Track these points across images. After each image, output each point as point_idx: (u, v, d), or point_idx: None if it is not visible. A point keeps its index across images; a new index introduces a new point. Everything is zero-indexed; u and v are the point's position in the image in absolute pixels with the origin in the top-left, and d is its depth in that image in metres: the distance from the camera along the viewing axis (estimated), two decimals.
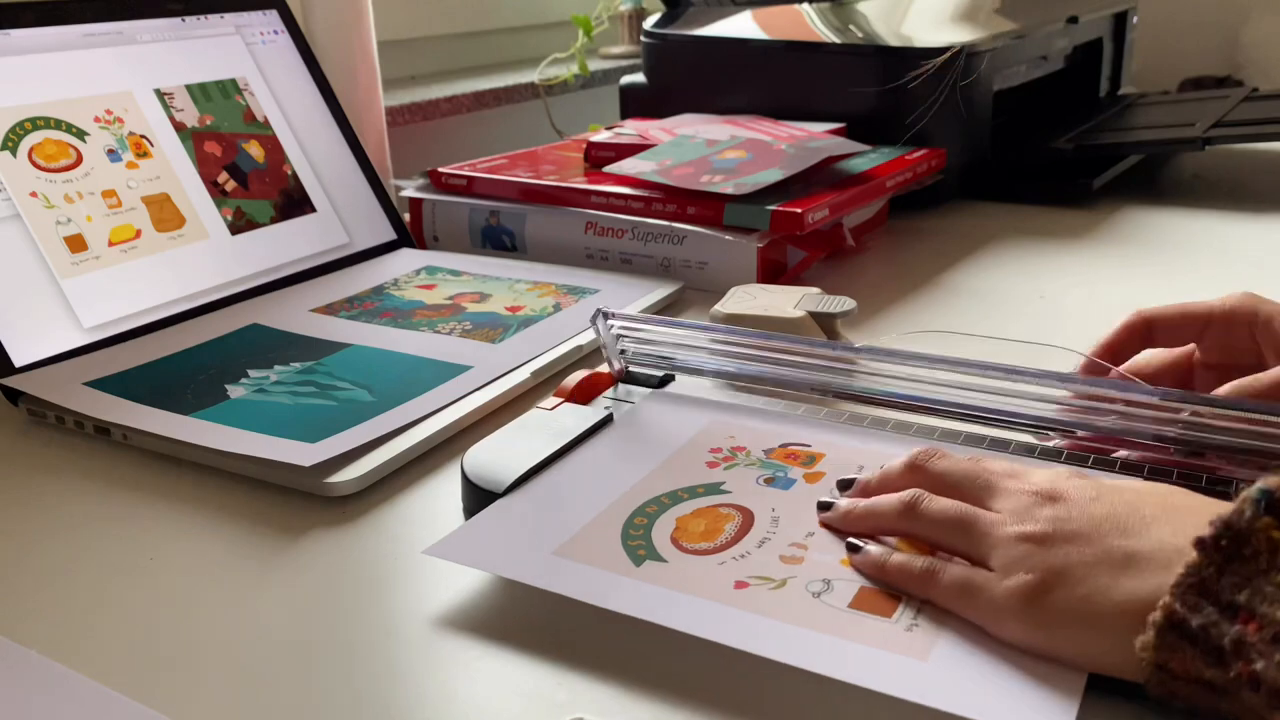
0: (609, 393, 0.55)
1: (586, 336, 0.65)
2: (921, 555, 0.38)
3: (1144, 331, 0.50)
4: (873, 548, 0.40)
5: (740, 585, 0.39)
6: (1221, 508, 0.34)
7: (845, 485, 0.44)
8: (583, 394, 0.54)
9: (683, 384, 0.56)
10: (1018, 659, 0.35)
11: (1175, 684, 0.32)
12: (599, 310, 0.53)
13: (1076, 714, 0.32)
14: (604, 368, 0.56)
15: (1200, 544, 0.32)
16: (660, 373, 0.56)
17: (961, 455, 0.42)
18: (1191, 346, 0.51)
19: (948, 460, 0.41)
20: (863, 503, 0.42)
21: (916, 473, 0.41)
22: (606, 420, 0.51)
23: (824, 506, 0.43)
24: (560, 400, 0.53)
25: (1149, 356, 0.52)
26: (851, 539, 0.40)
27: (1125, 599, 0.33)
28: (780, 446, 0.49)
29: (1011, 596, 0.35)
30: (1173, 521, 0.34)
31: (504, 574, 0.41)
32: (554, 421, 0.51)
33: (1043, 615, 0.34)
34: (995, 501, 0.39)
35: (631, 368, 0.57)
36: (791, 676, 0.36)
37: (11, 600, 0.43)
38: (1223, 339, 0.49)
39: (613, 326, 0.54)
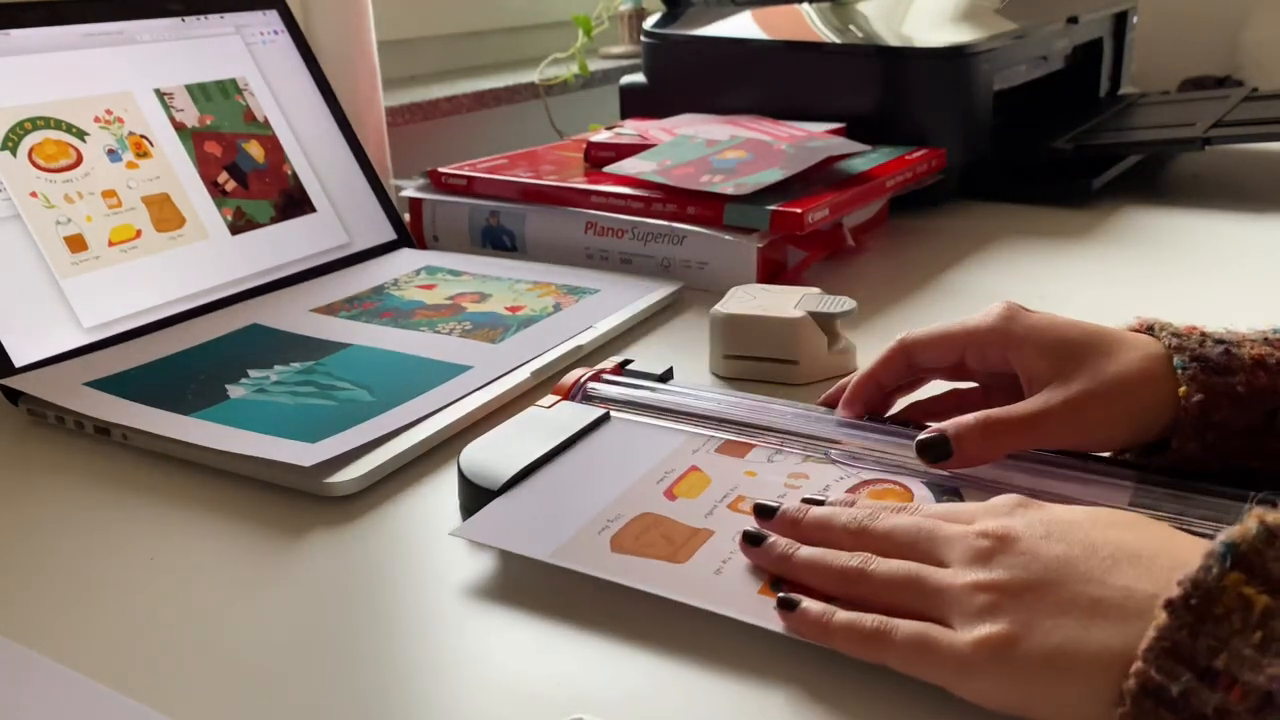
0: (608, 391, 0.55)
1: (587, 336, 0.65)
2: (867, 613, 0.36)
3: (905, 359, 0.49)
4: (811, 605, 0.37)
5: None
6: (1178, 547, 0.33)
7: (766, 513, 0.42)
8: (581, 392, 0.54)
9: (684, 379, 0.56)
10: None
11: None
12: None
13: None
14: (604, 365, 0.56)
15: (1170, 606, 0.31)
16: (661, 369, 0.56)
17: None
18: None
19: (891, 520, 0.39)
20: (805, 551, 0.39)
21: (861, 536, 0.39)
22: (604, 418, 0.51)
23: (753, 539, 0.40)
24: (558, 398, 0.53)
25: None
26: (785, 594, 0.38)
27: (1099, 650, 0.31)
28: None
29: (979, 650, 0.33)
30: (1135, 566, 0.33)
31: (552, 559, 0.41)
32: (551, 419, 0.51)
33: (1014, 669, 0.32)
34: (945, 551, 0.37)
35: (632, 365, 0.57)
36: (787, 675, 0.36)
37: (11, 600, 0.43)
38: (980, 358, 0.48)
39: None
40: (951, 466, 0.44)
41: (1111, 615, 0.32)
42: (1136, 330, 0.46)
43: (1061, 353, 0.45)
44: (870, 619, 0.36)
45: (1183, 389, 0.42)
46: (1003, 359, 0.47)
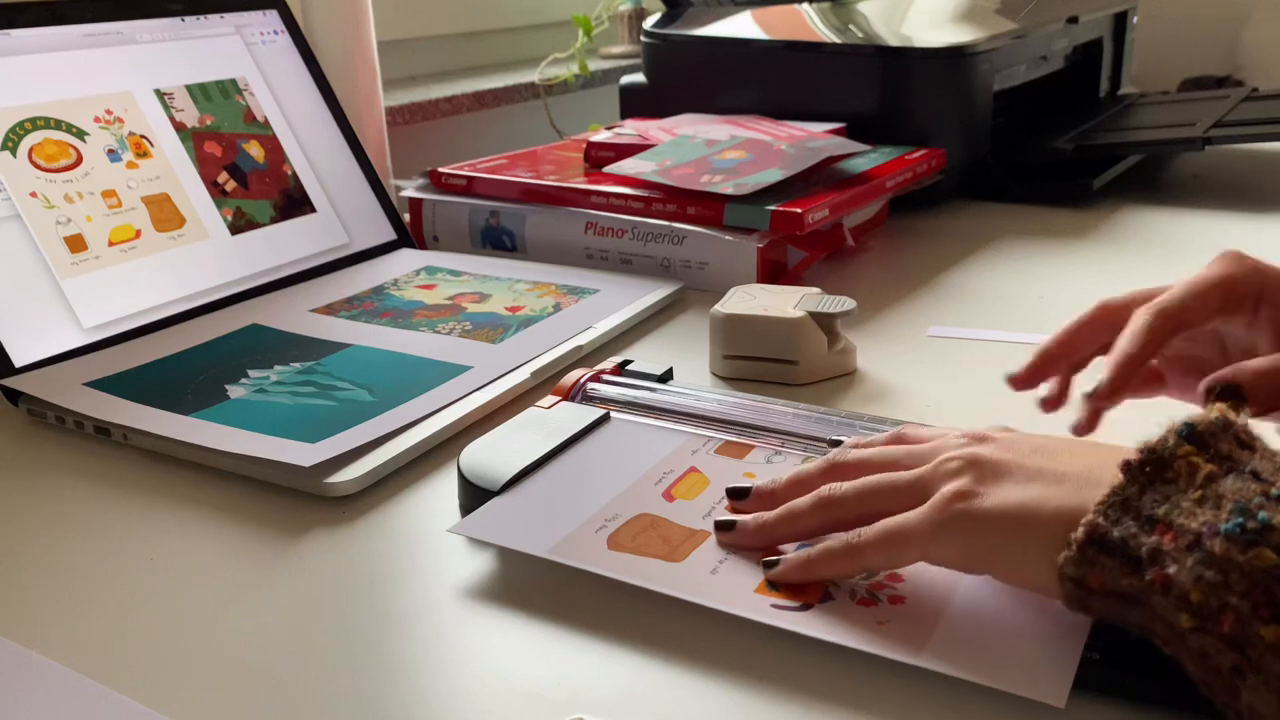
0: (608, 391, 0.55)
1: (587, 337, 0.65)
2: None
3: (1106, 324, 0.49)
4: (791, 555, 0.39)
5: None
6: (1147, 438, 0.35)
7: (739, 494, 0.43)
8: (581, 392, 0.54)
9: (684, 380, 0.56)
10: (1014, 636, 0.35)
11: (1090, 598, 0.33)
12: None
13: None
14: (604, 365, 0.56)
15: (1126, 466, 0.34)
16: (661, 369, 0.56)
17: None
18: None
19: (865, 451, 0.41)
20: (773, 513, 0.41)
21: (834, 471, 0.41)
22: (604, 419, 0.51)
23: (725, 526, 0.41)
24: (558, 399, 0.53)
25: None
26: (767, 558, 0.40)
27: (1058, 508, 0.34)
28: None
29: (940, 511, 0.35)
30: (1098, 454, 0.36)
31: (548, 555, 0.41)
32: (551, 420, 0.51)
33: (977, 525, 0.35)
34: (918, 462, 0.39)
35: (632, 366, 0.57)
36: (783, 675, 0.36)
37: (11, 600, 0.43)
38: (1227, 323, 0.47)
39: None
40: (1258, 413, 0.42)
41: (1073, 483, 0.35)
42: None
43: None
44: (839, 537, 0.38)
45: None
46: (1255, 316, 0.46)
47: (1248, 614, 0.29)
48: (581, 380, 0.54)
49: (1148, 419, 0.36)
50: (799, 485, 0.41)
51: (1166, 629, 0.31)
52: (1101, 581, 0.32)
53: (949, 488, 0.36)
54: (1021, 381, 0.50)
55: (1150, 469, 0.33)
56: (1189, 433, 0.34)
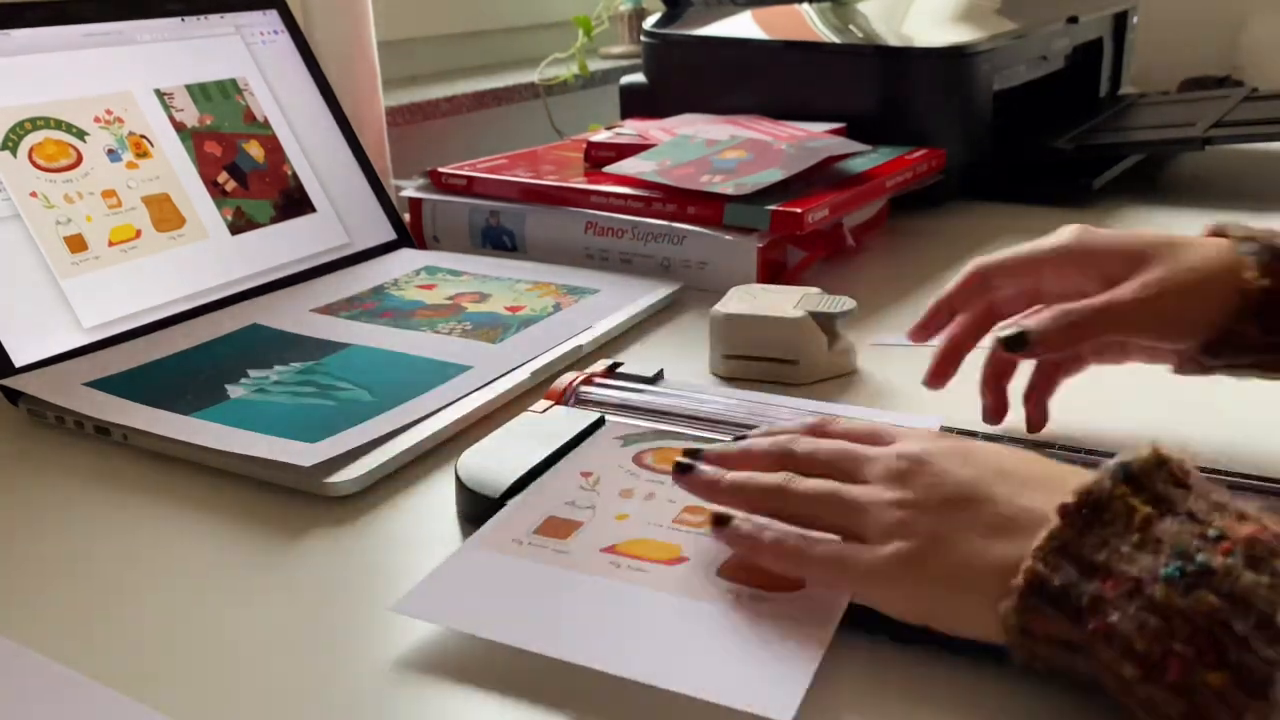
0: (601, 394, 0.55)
1: (587, 337, 0.65)
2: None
3: (981, 282, 0.51)
4: (742, 522, 0.39)
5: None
6: (1083, 476, 0.35)
7: (693, 454, 0.43)
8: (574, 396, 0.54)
9: (684, 380, 0.56)
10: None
11: (1036, 646, 0.33)
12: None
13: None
14: (595, 368, 0.56)
15: (1063, 510, 0.33)
16: (661, 369, 0.56)
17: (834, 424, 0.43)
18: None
19: (813, 443, 0.41)
20: (730, 476, 0.41)
21: (784, 459, 0.41)
22: (599, 423, 0.51)
23: (683, 469, 0.42)
24: (551, 403, 0.53)
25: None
26: (719, 510, 0.40)
27: (998, 561, 0.34)
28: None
29: (889, 563, 0.35)
30: (1041, 488, 0.35)
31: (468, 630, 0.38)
32: (546, 424, 0.51)
33: (920, 581, 0.35)
34: (864, 470, 0.39)
35: (623, 368, 0.57)
36: None
37: (11, 600, 0.43)
38: (1058, 277, 0.50)
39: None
40: (1032, 355, 0.46)
41: (1013, 530, 0.34)
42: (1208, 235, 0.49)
43: (1137, 254, 0.47)
44: (794, 536, 0.38)
45: (1249, 273, 0.45)
46: (1083, 274, 0.49)
47: (1192, 660, 0.29)
48: (573, 383, 0.54)
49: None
50: (747, 458, 0.41)
51: (1114, 679, 0.31)
52: (1046, 629, 0.32)
53: (892, 548, 0.36)
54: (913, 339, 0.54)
55: (1088, 512, 0.33)
56: (1125, 474, 0.33)
